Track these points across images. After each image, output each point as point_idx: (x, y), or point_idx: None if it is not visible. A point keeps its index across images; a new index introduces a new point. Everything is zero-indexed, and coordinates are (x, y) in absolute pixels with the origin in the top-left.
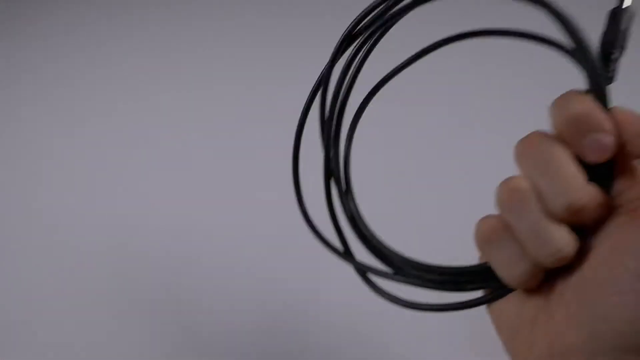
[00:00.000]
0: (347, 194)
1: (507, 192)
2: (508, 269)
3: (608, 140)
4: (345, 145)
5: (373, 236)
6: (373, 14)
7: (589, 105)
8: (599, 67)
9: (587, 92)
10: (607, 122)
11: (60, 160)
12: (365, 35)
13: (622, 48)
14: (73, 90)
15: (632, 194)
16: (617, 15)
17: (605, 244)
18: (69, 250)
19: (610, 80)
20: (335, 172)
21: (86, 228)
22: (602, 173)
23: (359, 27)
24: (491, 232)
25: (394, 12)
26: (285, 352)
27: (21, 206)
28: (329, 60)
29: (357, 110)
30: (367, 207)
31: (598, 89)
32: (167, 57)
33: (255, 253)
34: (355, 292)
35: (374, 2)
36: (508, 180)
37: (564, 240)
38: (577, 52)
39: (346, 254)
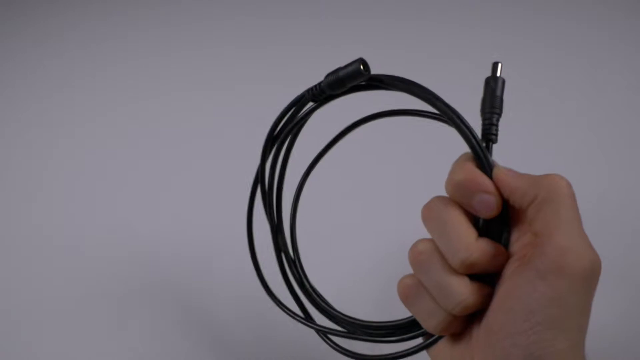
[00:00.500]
0: (297, 266)
1: (413, 254)
2: (426, 320)
3: (490, 199)
4: (290, 224)
5: (324, 302)
6: (286, 117)
7: (471, 171)
8: (477, 140)
9: (473, 157)
10: (487, 184)
11: (59, 161)
12: (283, 134)
13: (500, 113)
14: (73, 93)
15: (522, 241)
16: (492, 84)
17: (500, 290)
18: (65, 254)
19: (494, 140)
20: (284, 249)
21: (84, 232)
22: (495, 227)
23: (277, 129)
24: (408, 290)
25: (300, 115)
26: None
27: (18, 208)
28: (260, 160)
29: (296, 192)
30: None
31: (479, 157)
32: (168, 60)
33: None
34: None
35: (284, 108)
36: (415, 243)
37: (464, 292)
38: (459, 129)
39: (307, 319)
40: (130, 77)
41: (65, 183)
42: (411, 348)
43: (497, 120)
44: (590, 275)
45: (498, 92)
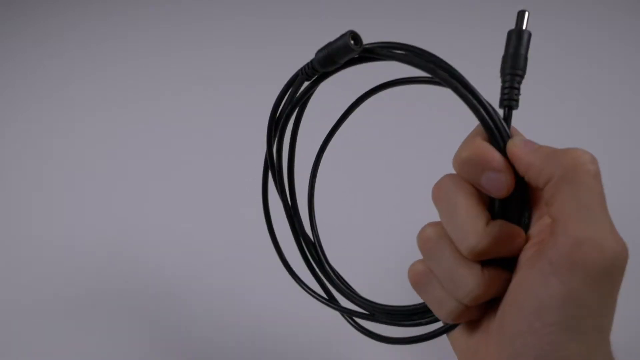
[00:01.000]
0: (317, 249)
1: (421, 241)
2: (437, 308)
3: (500, 177)
4: (308, 206)
5: (344, 284)
6: (285, 99)
7: (478, 147)
8: (487, 109)
9: (484, 131)
10: (496, 161)
11: (57, 163)
12: (284, 116)
13: (523, 74)
14: (73, 92)
15: (541, 224)
16: (518, 38)
17: (514, 281)
18: (62, 255)
19: (515, 106)
20: (302, 231)
21: (80, 236)
22: (513, 206)
23: (278, 111)
24: (418, 277)
25: (299, 94)
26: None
27: (16, 210)
28: (267, 145)
29: (311, 174)
30: None
31: (489, 129)
32: (166, 60)
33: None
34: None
35: (281, 90)
36: (422, 229)
37: (473, 281)
38: (464, 99)
39: (331, 301)
40: (129, 77)
41: (61, 183)
42: (426, 334)
43: (519, 82)
44: (610, 269)
45: (522, 50)
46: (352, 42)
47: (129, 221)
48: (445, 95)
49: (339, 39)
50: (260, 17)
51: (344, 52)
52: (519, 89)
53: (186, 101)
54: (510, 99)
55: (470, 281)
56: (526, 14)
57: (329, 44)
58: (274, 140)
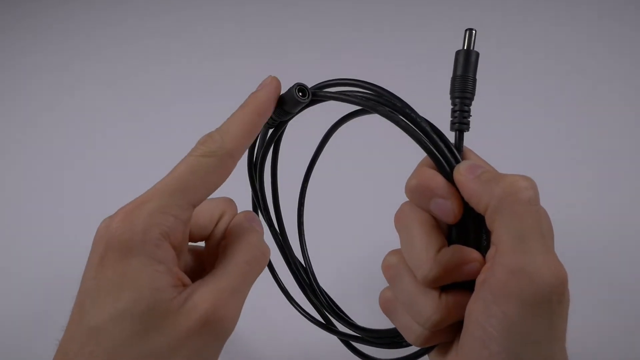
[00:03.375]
0: (312, 290)
1: (384, 268)
2: (406, 333)
3: (446, 204)
4: (299, 237)
5: (337, 309)
6: (257, 144)
7: (424, 175)
8: (434, 139)
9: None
10: (441, 188)
11: (54, 161)
12: (260, 158)
13: (472, 96)
14: (72, 91)
15: (491, 251)
16: (466, 59)
17: (466, 308)
18: (62, 256)
19: (465, 129)
20: (294, 260)
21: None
22: (466, 231)
23: (254, 155)
24: (386, 304)
25: (267, 139)
26: None
27: (15, 210)
28: (251, 188)
29: (298, 207)
30: None
31: (435, 158)
32: (168, 64)
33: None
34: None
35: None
36: (385, 256)
37: (430, 308)
38: (406, 131)
39: (329, 326)
40: (129, 77)
41: (61, 183)
42: (406, 356)
43: (469, 105)
44: (546, 299)
45: (470, 72)
46: (299, 94)
47: None
48: (426, 108)
49: (288, 92)
50: (265, 23)
51: (294, 104)
52: (469, 111)
53: (186, 106)
54: (460, 123)
55: (428, 308)
56: (474, 32)
57: (281, 96)
58: (256, 181)
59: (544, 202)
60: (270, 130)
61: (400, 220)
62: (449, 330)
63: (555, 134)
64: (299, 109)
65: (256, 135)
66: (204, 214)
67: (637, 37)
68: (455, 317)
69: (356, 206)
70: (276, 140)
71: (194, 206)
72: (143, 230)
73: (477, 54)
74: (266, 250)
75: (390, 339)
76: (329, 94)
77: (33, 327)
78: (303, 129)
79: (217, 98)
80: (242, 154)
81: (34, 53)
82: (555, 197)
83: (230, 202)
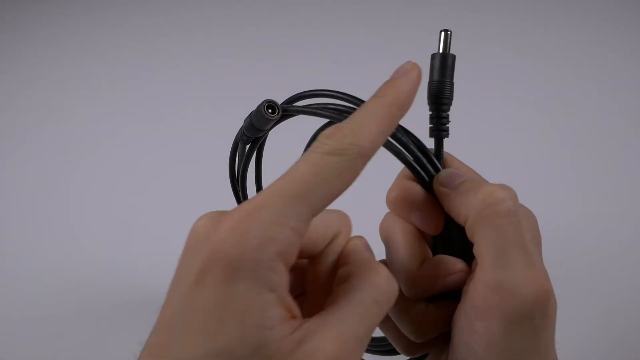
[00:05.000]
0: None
1: None
2: (395, 343)
3: (425, 216)
4: None
5: None
6: (236, 159)
7: (402, 188)
8: (412, 150)
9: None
10: (419, 202)
11: (54, 159)
12: (241, 172)
13: (449, 101)
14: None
15: (475, 262)
16: (442, 63)
17: (452, 320)
18: (62, 257)
19: (444, 135)
20: None
21: (79, 238)
22: (450, 241)
23: (235, 172)
24: None
25: (245, 156)
26: None
27: (15, 212)
28: (235, 199)
29: None
30: None
31: (414, 170)
32: (168, 66)
33: None
34: None
35: (230, 155)
36: None
37: (415, 320)
38: (386, 146)
39: None
40: (129, 78)
41: (61, 183)
42: None
43: (447, 110)
44: (528, 313)
45: (447, 76)
46: (268, 112)
47: (129, 223)
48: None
49: (257, 110)
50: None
51: (264, 121)
52: (447, 117)
53: (186, 100)
54: (439, 130)
55: (413, 320)
56: (449, 34)
57: (250, 114)
58: (241, 195)
59: (536, 205)
60: (248, 146)
61: (383, 231)
62: (439, 340)
63: (549, 137)
64: (269, 125)
65: (390, 134)
66: (318, 229)
67: (634, 38)
68: (441, 328)
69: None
70: (257, 153)
71: (314, 217)
72: (257, 246)
73: (454, 57)
74: (396, 287)
75: (384, 346)
76: (299, 109)
77: (34, 328)
78: (289, 139)
79: (226, 102)
80: (374, 154)
81: (36, 54)
82: (550, 200)
83: (346, 220)
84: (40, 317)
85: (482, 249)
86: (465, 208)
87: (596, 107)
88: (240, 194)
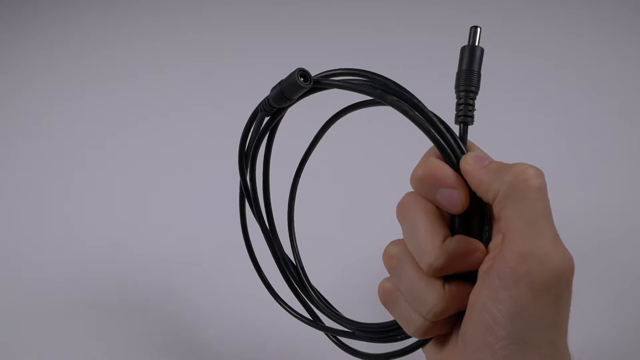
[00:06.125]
0: (298, 271)
1: (385, 258)
2: (406, 325)
3: (453, 194)
4: (288, 230)
5: (326, 304)
6: (250, 132)
7: (431, 165)
8: (440, 130)
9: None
10: (448, 178)
11: (55, 162)
12: (253, 146)
13: (476, 90)
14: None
15: (496, 239)
16: (471, 54)
17: (470, 296)
18: (63, 256)
19: (470, 122)
20: (283, 255)
21: (81, 236)
22: (474, 220)
23: (246, 144)
24: (386, 295)
25: (263, 127)
26: None
27: (17, 210)
28: (240, 176)
29: (289, 199)
30: None
31: (441, 148)
32: (168, 65)
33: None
34: None
35: (245, 126)
36: (386, 247)
37: (434, 297)
38: (413, 121)
39: (315, 322)
40: (129, 78)
41: (62, 183)
42: (402, 349)
43: (473, 98)
44: (555, 283)
45: (475, 66)
46: (301, 79)
47: (130, 222)
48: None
49: (289, 77)
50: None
51: (295, 90)
52: (473, 105)
53: (186, 99)
54: (465, 116)
55: (431, 298)
56: (479, 29)
57: (281, 82)
58: (247, 171)
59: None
60: (267, 118)
61: (403, 209)
62: (449, 322)
63: (552, 134)
64: (299, 95)
65: None
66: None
67: (633, 39)
68: (457, 307)
69: (348, 201)
70: (272, 128)
71: None
72: None
73: (482, 50)
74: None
75: (385, 332)
76: (333, 82)
77: (34, 328)
78: (300, 119)
79: (227, 101)
80: None
81: (39, 54)
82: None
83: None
84: (40, 317)
85: (514, 220)
86: (497, 183)
87: (595, 107)
88: (246, 168)
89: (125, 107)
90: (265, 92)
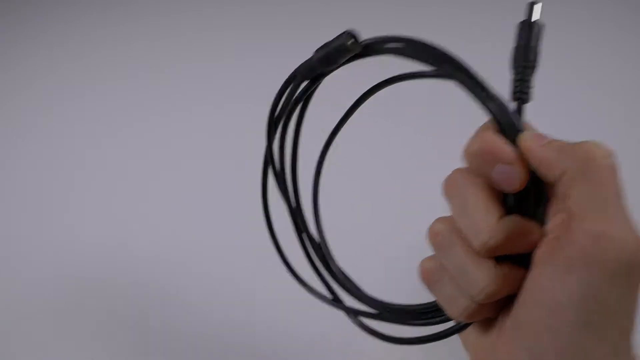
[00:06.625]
0: (322, 248)
1: (431, 236)
2: (449, 306)
3: (511, 170)
4: (313, 204)
5: (351, 283)
6: (284, 96)
7: (488, 140)
8: (499, 103)
9: (495, 124)
10: (507, 154)
11: (55, 162)
12: (286, 113)
13: (534, 66)
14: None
15: (558, 219)
16: (528, 29)
17: (529, 277)
18: (62, 256)
19: (526, 99)
20: (306, 230)
21: (78, 236)
22: (528, 200)
23: (278, 109)
24: (429, 274)
25: (299, 93)
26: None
27: (15, 209)
28: (267, 142)
29: (316, 170)
30: None
31: (499, 122)
32: (168, 65)
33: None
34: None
35: (279, 89)
36: (432, 223)
37: (486, 278)
38: (471, 92)
39: (335, 300)
40: (129, 78)
41: (62, 183)
42: (436, 333)
43: (531, 75)
44: (628, 266)
45: (533, 42)
46: (350, 42)
47: (129, 222)
48: (450, 88)
49: (337, 38)
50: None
51: (343, 53)
52: (530, 81)
53: (186, 99)
54: (521, 92)
55: (483, 277)
56: (537, 5)
57: (327, 43)
58: (274, 138)
59: None
60: (305, 83)
61: (453, 185)
62: (497, 305)
63: (552, 134)
64: (345, 59)
65: None
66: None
67: (633, 39)
68: (509, 290)
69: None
70: (306, 97)
71: None
72: None
73: (541, 25)
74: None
75: (418, 314)
76: (389, 48)
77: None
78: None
79: (228, 101)
80: None
81: (39, 54)
82: None
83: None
84: (40, 317)
85: (584, 200)
86: (562, 162)
87: (595, 106)
88: (274, 135)
89: (125, 107)
90: (266, 92)
